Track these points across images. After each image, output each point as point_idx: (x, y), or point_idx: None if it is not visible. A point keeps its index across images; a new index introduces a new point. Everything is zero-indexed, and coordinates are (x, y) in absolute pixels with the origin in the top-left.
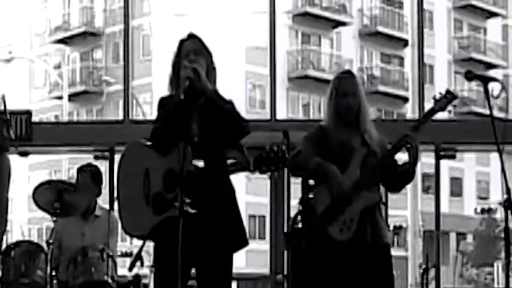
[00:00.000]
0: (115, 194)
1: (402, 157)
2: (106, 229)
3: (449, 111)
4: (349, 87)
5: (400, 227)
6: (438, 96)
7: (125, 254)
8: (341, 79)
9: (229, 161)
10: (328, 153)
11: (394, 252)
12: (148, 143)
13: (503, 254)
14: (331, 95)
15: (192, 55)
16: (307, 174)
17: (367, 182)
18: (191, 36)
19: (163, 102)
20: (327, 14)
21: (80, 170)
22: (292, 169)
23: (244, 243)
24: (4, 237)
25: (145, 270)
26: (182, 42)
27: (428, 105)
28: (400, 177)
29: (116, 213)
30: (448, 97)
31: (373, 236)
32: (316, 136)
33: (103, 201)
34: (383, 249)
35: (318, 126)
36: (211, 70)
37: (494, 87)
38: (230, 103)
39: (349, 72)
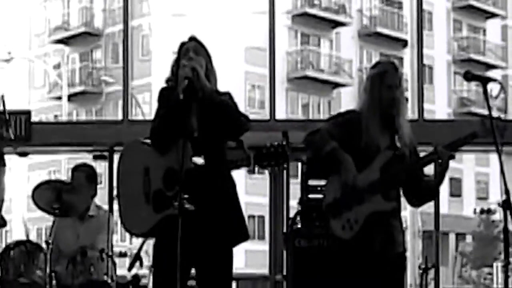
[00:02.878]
0: (115, 193)
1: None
2: (100, 227)
3: (496, 144)
4: (394, 80)
5: None
6: (487, 123)
7: (124, 254)
8: (387, 71)
9: (230, 157)
10: (352, 144)
11: None
12: (147, 141)
13: (502, 255)
14: (373, 84)
15: (192, 53)
16: (320, 155)
17: (385, 187)
18: (192, 39)
19: (163, 93)
20: (326, 14)
21: (74, 169)
22: (307, 146)
23: (245, 237)
24: (4, 237)
25: (144, 271)
26: (182, 45)
27: (427, 106)
28: (423, 192)
29: (106, 210)
30: (499, 124)
31: (382, 245)
32: (345, 121)
33: (102, 201)
34: (393, 258)
35: (350, 110)
36: (211, 71)
37: (493, 88)
38: (227, 94)
39: (393, 64)
